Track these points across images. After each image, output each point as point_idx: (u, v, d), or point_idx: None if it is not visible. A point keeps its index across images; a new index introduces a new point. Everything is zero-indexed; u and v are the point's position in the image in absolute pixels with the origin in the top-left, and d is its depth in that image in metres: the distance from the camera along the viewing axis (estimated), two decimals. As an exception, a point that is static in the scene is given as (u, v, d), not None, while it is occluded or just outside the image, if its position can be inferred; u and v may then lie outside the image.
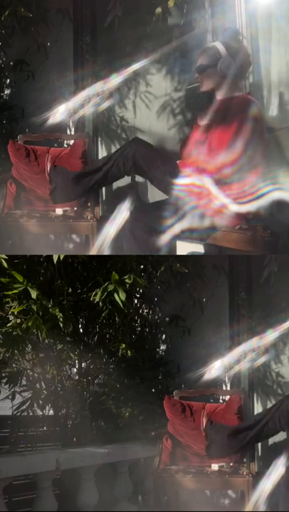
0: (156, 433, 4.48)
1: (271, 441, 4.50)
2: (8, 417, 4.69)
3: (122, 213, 4.03)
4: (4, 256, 3.85)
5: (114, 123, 4.72)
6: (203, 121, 4.02)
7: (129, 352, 4.29)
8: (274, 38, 4.31)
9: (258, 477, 4.14)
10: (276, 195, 3.75)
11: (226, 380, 4.78)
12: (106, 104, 4.54)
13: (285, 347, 4.69)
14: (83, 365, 4.64)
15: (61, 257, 3.99)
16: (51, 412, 4.60)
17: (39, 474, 3.80)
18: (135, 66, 4.42)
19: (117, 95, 4.61)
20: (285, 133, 4.24)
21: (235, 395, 4.55)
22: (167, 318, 5.08)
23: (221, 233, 3.86)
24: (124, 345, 4.30)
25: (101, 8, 4.55)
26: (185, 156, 4.13)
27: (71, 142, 4.60)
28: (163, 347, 5.18)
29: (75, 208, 4.37)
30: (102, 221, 4.21)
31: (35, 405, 4.49)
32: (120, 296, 3.89)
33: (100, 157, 4.74)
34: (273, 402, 4.68)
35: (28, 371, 4.49)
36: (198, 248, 4.00)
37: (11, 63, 4.88)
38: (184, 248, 4.03)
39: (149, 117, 4.68)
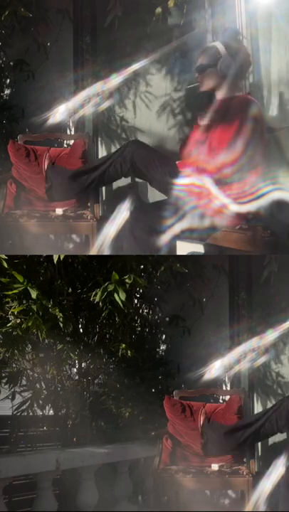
0: (156, 433, 4.48)
1: (271, 441, 4.50)
2: (8, 417, 4.69)
3: (122, 213, 4.03)
4: (4, 256, 3.85)
5: (114, 123, 4.72)
6: (204, 121, 4.02)
7: (129, 352, 4.29)
8: (274, 38, 4.31)
9: (258, 477, 4.14)
10: (276, 195, 3.75)
11: (226, 380, 4.78)
12: (106, 104, 4.54)
13: (285, 347, 4.69)
14: (83, 365, 4.64)
15: (61, 257, 3.99)
16: (51, 412, 4.60)
17: (39, 474, 3.80)
18: (135, 66, 4.42)
19: (117, 95, 4.61)
20: (285, 133, 4.24)
21: (235, 395, 4.55)
22: (167, 318, 5.08)
23: (221, 233, 3.86)
24: (124, 345, 4.30)
25: (101, 8, 4.55)
26: (185, 156, 4.13)
27: (71, 142, 4.60)
28: (163, 347, 5.18)
29: (75, 208, 4.37)
30: (102, 221, 4.21)
31: (35, 405, 4.49)
32: (120, 296, 3.89)
33: (99, 157, 4.73)
34: (273, 402, 4.68)
35: (28, 371, 4.50)
36: (198, 248, 4.00)
37: (11, 63, 4.88)
38: (184, 248, 4.03)
39: (149, 117, 4.68)
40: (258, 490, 4.02)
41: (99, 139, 4.74)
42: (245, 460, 4.42)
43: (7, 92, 4.97)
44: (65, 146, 4.68)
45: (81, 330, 4.58)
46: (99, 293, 3.94)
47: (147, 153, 4.18)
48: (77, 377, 4.65)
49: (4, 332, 3.92)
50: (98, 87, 4.46)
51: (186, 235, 3.90)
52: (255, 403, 4.75)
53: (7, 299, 3.91)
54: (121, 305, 3.90)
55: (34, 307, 3.82)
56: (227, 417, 4.44)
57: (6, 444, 4.77)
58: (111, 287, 3.92)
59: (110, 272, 4.00)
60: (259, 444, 4.55)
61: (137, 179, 4.50)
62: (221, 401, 4.71)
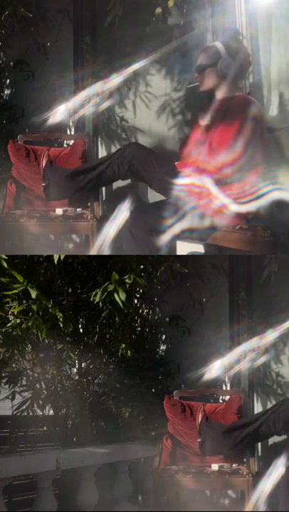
0: (156, 433, 4.48)
1: (271, 441, 4.50)
2: (8, 417, 4.69)
3: (122, 213, 4.03)
4: (4, 256, 3.85)
5: (114, 123, 4.72)
6: (204, 122, 4.02)
7: (129, 352, 4.29)
8: (274, 38, 4.31)
9: (258, 477, 4.14)
10: (276, 195, 3.75)
11: (226, 380, 4.78)
12: (106, 104, 4.54)
13: (285, 347, 4.69)
14: (83, 365, 4.64)
15: (62, 257, 3.99)
16: (51, 412, 4.60)
17: (39, 474, 3.80)
18: (135, 66, 4.42)
19: (117, 95, 4.61)
20: (285, 133, 4.24)
21: (235, 395, 4.55)
22: (167, 318, 5.08)
23: (221, 233, 3.86)
24: (124, 345, 4.30)
25: (101, 8, 4.55)
26: (185, 156, 4.13)
27: (71, 142, 4.60)
28: (163, 347, 5.18)
29: (75, 208, 4.37)
30: (102, 221, 4.21)
31: (35, 405, 4.49)
32: (120, 296, 3.89)
33: (99, 157, 4.73)
34: (273, 402, 4.68)
35: (28, 371, 4.50)
36: (198, 248, 4.00)
37: (11, 63, 4.88)
38: (184, 248, 4.03)
39: (149, 117, 4.69)
40: (258, 490, 4.02)
41: (99, 139, 4.74)
42: (245, 460, 4.42)
43: (7, 92, 4.97)
44: (65, 146, 4.68)
45: (81, 330, 4.58)
46: (99, 293, 3.94)
47: (146, 155, 4.18)
48: (77, 377, 4.65)
49: (4, 332, 3.93)
50: (98, 87, 4.46)
51: (186, 235, 3.90)
52: (255, 403, 4.75)
53: (7, 299, 3.91)
54: (121, 305, 3.90)
55: (34, 307, 3.82)
56: (227, 417, 4.44)
57: (6, 444, 4.77)
58: (111, 287, 3.92)
59: (110, 272, 4.00)
60: (259, 444, 4.55)
61: (137, 180, 4.50)
62: (221, 401, 4.71)
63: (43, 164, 4.39)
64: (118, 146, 4.69)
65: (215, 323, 4.89)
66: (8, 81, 4.97)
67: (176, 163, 4.15)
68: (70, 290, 4.40)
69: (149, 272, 4.56)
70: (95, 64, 4.61)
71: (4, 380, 4.39)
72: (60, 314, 3.92)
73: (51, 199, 4.37)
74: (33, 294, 3.82)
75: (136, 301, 4.80)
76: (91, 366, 4.64)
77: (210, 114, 4.01)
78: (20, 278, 3.83)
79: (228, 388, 4.77)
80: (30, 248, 4.29)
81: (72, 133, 4.73)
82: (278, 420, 4.13)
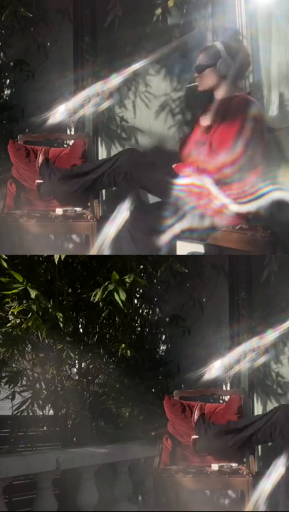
0: (156, 433, 4.48)
1: (271, 441, 4.50)
2: (8, 417, 4.69)
3: (122, 213, 4.03)
4: (4, 256, 3.85)
5: (114, 123, 4.72)
6: (205, 122, 4.02)
7: (129, 352, 4.29)
8: (274, 38, 4.31)
9: (258, 477, 4.14)
10: (276, 195, 3.75)
11: (226, 380, 4.78)
12: (106, 104, 4.53)
13: (285, 347, 4.69)
14: (83, 365, 4.64)
15: (62, 257, 3.99)
16: (51, 412, 4.60)
17: (39, 474, 3.80)
18: (135, 66, 4.42)
19: (117, 95, 4.61)
20: (285, 133, 4.24)
21: (235, 395, 4.55)
22: (167, 318, 5.08)
23: (221, 233, 3.86)
24: (124, 345, 4.30)
25: (101, 8, 4.54)
26: (185, 156, 4.13)
27: (71, 142, 4.60)
28: (163, 347, 5.18)
29: (76, 208, 4.37)
30: (102, 221, 4.21)
31: (35, 405, 4.49)
32: (120, 296, 3.89)
33: (100, 157, 4.73)
34: (273, 402, 4.69)
35: (28, 371, 4.50)
36: (198, 248, 4.00)
37: (11, 63, 4.87)
38: (184, 248, 4.03)
39: (149, 117, 4.69)
40: (258, 490, 4.02)
41: (99, 139, 4.74)
42: (245, 460, 4.42)
43: (7, 92, 4.96)
44: (65, 146, 4.68)
45: (81, 330, 4.58)
46: (99, 292, 3.94)
47: (141, 160, 4.16)
48: (77, 377, 4.65)
49: (4, 332, 3.92)
50: (98, 87, 4.46)
51: (186, 235, 3.90)
52: (255, 403, 4.76)
53: (7, 299, 3.91)
54: (121, 305, 3.90)
55: (34, 307, 3.82)
56: (227, 417, 4.44)
57: (6, 444, 4.77)
58: (111, 287, 3.92)
59: (110, 272, 4.00)
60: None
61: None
62: (221, 401, 4.71)
63: (39, 162, 4.39)
64: (118, 146, 4.69)
65: (215, 323, 4.89)
66: (8, 81, 4.97)
67: (174, 165, 4.14)
68: (70, 290, 4.40)
69: (149, 272, 4.56)
70: (95, 64, 4.61)
71: (4, 380, 4.39)
72: (60, 314, 3.92)
73: (44, 196, 4.37)
74: (33, 294, 3.81)
75: (136, 301, 4.81)
76: (91, 366, 4.64)
77: (210, 114, 4.01)
78: (19, 278, 3.83)
79: (228, 388, 4.77)
80: (30, 248, 4.29)
81: (72, 133, 4.73)
82: (274, 429, 4.13)
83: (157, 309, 5.04)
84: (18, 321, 3.90)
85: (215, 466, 4.26)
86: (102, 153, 4.74)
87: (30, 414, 4.51)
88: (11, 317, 3.97)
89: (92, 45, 4.69)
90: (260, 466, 4.46)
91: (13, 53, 4.85)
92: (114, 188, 4.60)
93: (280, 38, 4.29)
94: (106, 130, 4.73)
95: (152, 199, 4.43)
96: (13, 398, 4.49)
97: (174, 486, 4.23)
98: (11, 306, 3.91)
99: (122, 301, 3.89)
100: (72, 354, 4.26)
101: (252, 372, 4.71)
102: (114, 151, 4.70)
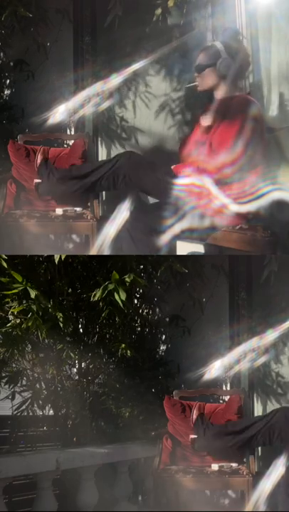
0: (156, 433, 4.48)
1: (271, 441, 4.50)
2: (8, 417, 4.69)
3: (122, 213, 4.03)
4: (4, 256, 3.85)
5: (114, 123, 4.72)
6: (205, 122, 4.02)
7: (129, 352, 4.29)
8: (274, 38, 4.31)
9: (258, 477, 4.14)
10: (276, 195, 3.75)
11: (226, 380, 4.78)
12: (106, 104, 4.53)
13: (285, 347, 4.69)
14: (83, 365, 4.64)
15: (62, 257, 3.99)
16: (51, 412, 4.60)
17: (39, 474, 3.80)
18: (135, 66, 4.42)
19: (117, 95, 4.61)
20: (285, 133, 4.24)
21: (235, 395, 4.55)
22: (167, 319, 5.08)
23: (221, 233, 3.86)
24: (124, 345, 4.30)
25: (101, 8, 4.54)
26: (185, 156, 4.13)
27: (71, 142, 4.60)
28: (163, 347, 5.18)
29: (76, 208, 4.37)
30: (102, 221, 4.21)
31: (35, 405, 4.49)
32: (120, 296, 3.89)
33: (100, 157, 4.73)
34: (273, 401, 4.69)
35: (28, 371, 4.49)
36: (198, 248, 4.00)
37: (11, 63, 4.88)
38: (184, 248, 4.03)
39: (149, 117, 4.69)
40: (258, 490, 4.02)
41: (99, 139, 4.74)
42: (245, 460, 4.42)
43: (7, 92, 4.96)
44: (65, 146, 4.68)
45: (81, 330, 4.58)
46: (99, 292, 3.94)
47: (140, 162, 4.15)
48: (77, 377, 4.65)
49: (4, 332, 3.92)
50: (98, 87, 4.45)
51: (186, 235, 3.90)
52: (255, 403, 4.76)
53: (7, 299, 3.91)
54: (121, 305, 3.90)
55: (34, 307, 3.82)
56: (227, 417, 4.44)
57: (6, 444, 4.77)
58: (111, 286, 3.92)
59: (110, 272, 4.00)
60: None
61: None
62: (221, 401, 4.71)
63: (38, 162, 4.38)
64: (118, 146, 4.69)
65: (215, 323, 4.89)
66: (8, 81, 4.97)
67: (173, 166, 4.14)
68: (70, 290, 4.39)
69: (149, 272, 4.56)
70: (95, 64, 4.61)
71: (4, 380, 4.39)
72: (60, 314, 3.92)
73: (42, 195, 4.37)
74: (33, 294, 3.81)
75: (136, 301, 4.81)
76: (91, 366, 4.64)
77: (210, 114, 4.01)
78: (19, 278, 3.83)
79: (228, 388, 4.77)
80: (30, 248, 4.29)
81: (72, 133, 4.73)
82: (273, 431, 4.13)
83: (157, 309, 5.04)
84: (18, 321, 3.90)
85: (215, 466, 4.26)
86: (102, 153, 4.74)
87: (30, 414, 4.51)
88: (11, 317, 3.97)
89: (92, 45, 4.69)
90: (260, 466, 4.46)
91: (13, 53, 4.85)
92: (113, 189, 4.61)
93: (280, 38, 4.29)
94: (106, 130, 4.73)
95: (152, 199, 4.43)
96: (13, 398, 4.49)
97: (174, 486, 4.23)
98: (11, 306, 3.91)
99: (122, 301, 3.89)
100: (72, 354, 4.26)
101: (252, 372, 4.71)
102: (114, 151, 4.70)
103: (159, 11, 4.30)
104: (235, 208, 3.82)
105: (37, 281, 4.10)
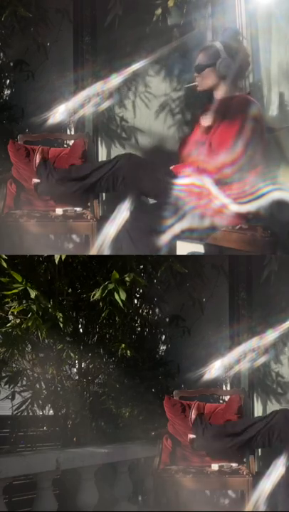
0: (156, 433, 4.48)
1: (271, 441, 4.50)
2: (8, 417, 4.69)
3: (122, 213, 4.03)
4: (4, 256, 3.85)
5: (114, 123, 4.72)
6: (205, 122, 4.02)
7: (128, 352, 4.29)
8: (274, 38, 4.31)
9: (258, 477, 4.14)
10: (276, 195, 3.75)
11: (226, 380, 4.78)
12: (106, 104, 4.53)
13: (285, 347, 4.69)
14: (83, 365, 4.64)
15: (63, 257, 3.99)
16: (51, 412, 4.60)
17: (39, 474, 3.80)
18: (135, 66, 4.42)
19: (117, 95, 4.61)
20: (285, 133, 4.24)
21: (235, 395, 4.55)
22: (167, 319, 5.08)
23: (221, 233, 3.86)
24: (124, 345, 4.30)
25: (101, 8, 4.55)
26: (184, 156, 4.13)
27: (71, 142, 4.60)
28: (163, 347, 5.18)
29: (76, 208, 4.37)
30: (102, 221, 4.21)
31: (35, 405, 4.49)
32: (120, 296, 3.89)
33: (100, 157, 4.73)
34: (273, 401, 4.69)
35: (28, 371, 4.49)
36: (198, 248, 4.00)
37: (11, 63, 4.88)
38: (184, 248, 4.03)
39: (149, 117, 4.69)
40: (258, 490, 4.02)
41: (99, 138, 4.74)
42: (245, 460, 4.42)
43: (7, 92, 4.96)
44: (65, 146, 4.68)
45: (81, 330, 4.58)
46: (99, 291, 3.94)
47: (139, 164, 4.15)
48: (77, 377, 4.65)
49: (4, 332, 3.92)
50: (98, 87, 4.45)
51: (186, 235, 3.90)
52: (255, 403, 4.76)
53: (7, 299, 3.91)
54: (121, 304, 3.90)
55: (34, 307, 3.82)
56: (227, 417, 4.44)
57: (6, 444, 4.77)
58: (111, 286, 3.92)
59: (110, 272, 4.00)
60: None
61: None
62: (221, 401, 4.71)
63: (36, 162, 4.38)
64: (118, 146, 4.69)
65: (215, 323, 4.89)
66: (8, 81, 4.97)
67: (172, 166, 4.14)
68: (70, 290, 4.39)
69: (149, 272, 4.56)
70: (95, 64, 4.61)
71: (4, 380, 4.39)
72: (60, 314, 3.92)
73: (42, 195, 4.37)
74: (33, 294, 3.81)
75: (136, 301, 4.81)
76: (91, 366, 4.64)
77: (210, 114, 4.01)
78: (18, 278, 3.83)
79: (228, 388, 4.77)
80: (30, 248, 4.29)
81: (72, 133, 4.73)
82: (272, 433, 4.14)
83: (157, 309, 5.04)
84: (18, 321, 3.90)
85: (215, 466, 4.26)
86: (102, 153, 4.74)
87: (30, 414, 4.51)
88: (10, 317, 3.97)
89: (92, 45, 4.70)
90: (260, 466, 4.46)
91: (13, 53, 4.85)
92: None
93: (280, 38, 4.29)
94: (106, 130, 4.73)
95: (152, 200, 4.43)
96: (13, 398, 4.49)
97: (174, 486, 4.23)
98: (10, 306, 3.91)
99: (122, 300, 3.89)
100: (72, 354, 4.26)
101: (252, 372, 4.71)
102: (114, 151, 4.70)
103: (159, 11, 4.30)
104: (235, 208, 3.82)
105: (37, 281, 4.10)
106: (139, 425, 4.52)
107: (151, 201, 4.39)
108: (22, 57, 4.80)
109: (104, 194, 4.63)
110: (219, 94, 4.03)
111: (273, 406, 4.67)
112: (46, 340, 4.26)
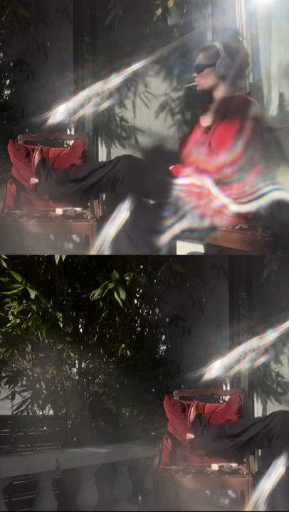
0: (156, 433, 4.48)
1: (271, 441, 4.50)
2: (8, 417, 4.69)
3: (122, 213, 4.03)
4: (4, 256, 3.85)
5: (114, 123, 4.72)
6: (205, 122, 4.02)
7: (128, 352, 4.29)
8: (274, 38, 4.31)
9: (258, 477, 4.14)
10: (276, 195, 3.75)
11: (226, 380, 4.78)
12: (106, 104, 4.53)
13: (285, 347, 4.69)
14: (83, 365, 4.64)
15: (63, 258, 3.99)
16: (51, 412, 4.60)
17: (39, 474, 3.80)
18: (135, 66, 4.42)
19: (117, 95, 4.61)
20: (285, 133, 4.24)
21: (235, 395, 4.55)
22: (167, 319, 5.08)
23: (221, 233, 3.86)
24: (124, 345, 4.30)
25: (101, 8, 4.54)
26: (184, 156, 4.13)
27: (71, 142, 4.60)
28: (163, 347, 5.18)
29: (76, 208, 4.37)
30: (102, 221, 4.21)
31: (35, 405, 4.49)
32: (120, 295, 3.89)
33: (100, 157, 4.73)
34: (273, 401, 4.69)
35: (28, 371, 4.49)
36: (198, 248, 4.00)
37: (11, 63, 4.88)
38: (184, 248, 4.03)
39: (149, 117, 4.69)
40: (258, 490, 4.02)
41: (99, 138, 4.74)
42: (245, 460, 4.42)
43: (7, 92, 4.96)
44: (65, 146, 4.68)
45: (81, 330, 4.58)
46: (98, 290, 3.94)
47: (139, 165, 4.15)
48: (77, 377, 4.65)
49: (4, 332, 3.93)
50: (98, 87, 4.45)
51: (186, 235, 3.90)
52: (255, 403, 4.76)
53: (7, 299, 3.91)
54: (121, 304, 3.90)
55: (34, 307, 3.82)
56: (227, 417, 4.45)
57: (6, 444, 4.78)
58: (111, 285, 3.92)
59: (110, 272, 4.00)
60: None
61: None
62: (221, 401, 4.71)
63: (35, 162, 4.37)
64: (118, 146, 4.69)
65: (215, 323, 4.89)
66: (8, 81, 4.97)
67: (172, 166, 4.14)
68: (70, 290, 4.39)
69: (149, 272, 4.56)
70: (95, 64, 4.61)
71: (4, 380, 4.39)
72: (60, 314, 3.92)
73: (41, 194, 4.37)
74: (32, 294, 3.81)
75: (136, 301, 4.81)
76: (91, 366, 4.64)
77: (209, 114, 4.01)
78: (18, 278, 3.84)
79: (228, 388, 4.77)
80: (30, 248, 4.29)
81: (72, 133, 4.73)
82: (271, 435, 4.14)
83: (157, 309, 5.04)
84: (18, 321, 3.90)
85: (215, 466, 4.26)
86: (102, 153, 4.74)
87: (30, 414, 4.51)
88: (10, 317, 3.97)
89: (92, 45, 4.70)
90: (260, 466, 4.46)
91: (13, 53, 4.86)
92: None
93: (280, 38, 4.29)
94: (106, 130, 4.73)
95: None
96: (13, 398, 4.49)
97: (174, 486, 4.23)
98: (10, 306, 3.91)
99: (122, 300, 3.89)
100: (72, 354, 4.26)
101: (252, 372, 4.71)
102: (114, 151, 4.70)
103: (159, 11, 4.30)
104: (235, 208, 3.82)
105: (37, 281, 4.10)
106: (139, 425, 4.52)
107: (151, 201, 4.40)
108: (22, 57, 4.80)
109: (104, 194, 4.63)
110: (219, 94, 4.03)
111: (273, 406, 4.67)
112: (46, 340, 4.27)
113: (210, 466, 4.28)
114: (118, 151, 4.68)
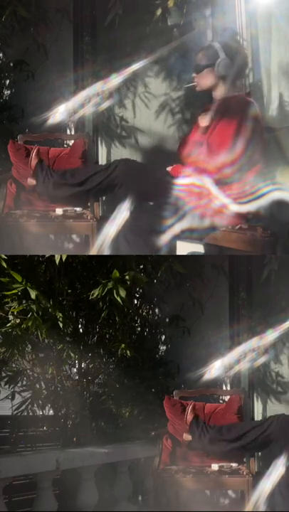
0: (156, 433, 4.48)
1: (271, 441, 4.50)
2: (8, 417, 4.69)
3: (122, 213, 4.03)
4: (4, 256, 3.85)
5: (114, 123, 4.72)
6: (204, 122, 4.02)
7: (128, 352, 4.29)
8: (274, 38, 4.31)
9: (258, 477, 4.14)
10: (276, 195, 3.75)
11: (226, 380, 4.78)
12: (106, 104, 4.53)
13: (285, 347, 4.69)
14: (83, 365, 4.64)
15: (63, 258, 3.99)
16: (51, 412, 4.61)
17: (39, 474, 3.80)
18: (135, 66, 4.42)
19: (117, 95, 4.61)
20: (285, 133, 4.24)
21: (235, 395, 4.55)
22: (167, 319, 5.08)
23: (221, 233, 3.86)
24: (124, 345, 4.30)
25: (101, 8, 4.54)
26: (184, 156, 4.13)
27: (71, 142, 4.60)
28: (163, 347, 5.18)
29: (76, 208, 4.37)
30: (102, 221, 4.21)
31: (35, 405, 4.49)
32: (120, 293, 3.89)
33: (99, 157, 4.73)
34: (273, 401, 4.69)
35: (28, 371, 4.50)
36: (198, 248, 4.00)
37: (11, 63, 4.88)
38: (184, 248, 4.03)
39: (149, 117, 4.69)
40: (258, 490, 4.02)
41: (99, 138, 4.74)
42: (245, 460, 4.42)
43: (7, 92, 4.97)
44: (65, 146, 4.68)
45: (81, 330, 4.58)
46: (98, 289, 3.94)
47: (137, 168, 4.15)
48: (77, 377, 4.65)
49: (4, 332, 3.93)
50: (98, 87, 4.45)
51: (186, 235, 3.90)
52: (255, 403, 4.76)
53: (7, 299, 3.91)
54: (121, 303, 3.90)
55: (34, 307, 3.82)
56: (227, 417, 4.45)
57: (6, 444, 4.78)
58: (111, 285, 3.92)
59: (110, 272, 4.00)
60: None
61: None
62: (221, 401, 4.71)
63: (33, 164, 4.36)
64: (118, 146, 4.69)
65: (215, 323, 4.89)
66: (8, 81, 4.97)
67: (172, 167, 4.14)
68: (70, 290, 4.39)
69: (149, 272, 4.55)
70: (95, 64, 4.61)
71: (4, 380, 4.39)
72: (60, 314, 3.92)
73: (41, 195, 4.37)
74: (33, 294, 3.81)
75: (136, 301, 4.81)
76: (91, 366, 4.64)
77: (208, 114, 4.01)
78: (18, 278, 3.84)
79: (228, 388, 4.77)
80: (30, 248, 4.29)
81: (72, 133, 4.73)
82: (269, 440, 4.15)
83: (157, 309, 5.04)
84: (18, 321, 3.90)
85: (215, 466, 4.26)
86: (102, 153, 4.74)
87: (30, 414, 4.51)
88: (10, 317, 3.97)
89: (92, 45, 4.70)
90: (260, 466, 4.46)
91: (13, 53, 4.86)
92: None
93: (280, 38, 4.29)
94: (106, 130, 4.73)
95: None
96: (13, 398, 4.49)
97: (174, 486, 4.23)
98: (10, 306, 3.91)
99: (122, 299, 3.89)
100: (72, 354, 4.26)
101: (252, 372, 4.71)
102: (114, 151, 4.70)
103: (159, 11, 4.29)
104: (235, 207, 3.82)
105: (37, 281, 4.10)
106: (139, 425, 4.52)
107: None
108: (22, 57, 4.81)
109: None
110: (218, 94, 4.03)
111: (273, 406, 4.67)
112: (46, 340, 4.27)
113: (210, 466, 4.28)
114: (118, 151, 4.69)
